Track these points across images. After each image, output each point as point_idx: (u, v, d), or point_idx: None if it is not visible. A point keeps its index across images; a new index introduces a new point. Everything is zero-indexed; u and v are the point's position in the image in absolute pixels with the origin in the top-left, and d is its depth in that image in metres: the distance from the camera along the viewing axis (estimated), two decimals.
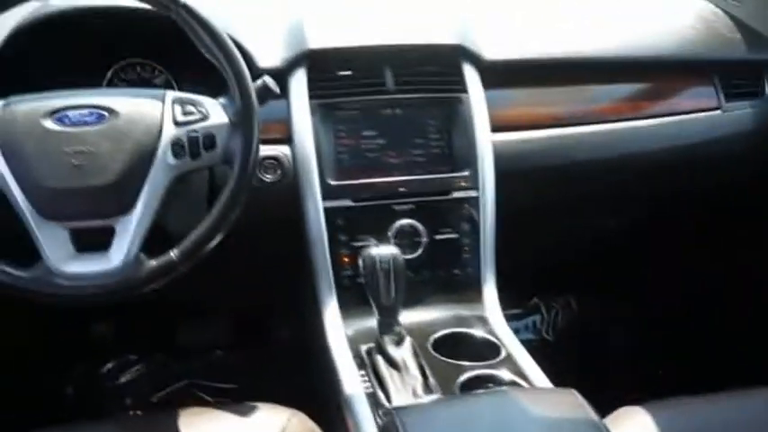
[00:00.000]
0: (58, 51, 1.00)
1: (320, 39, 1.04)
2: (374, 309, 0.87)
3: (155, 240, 0.77)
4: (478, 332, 0.94)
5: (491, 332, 0.94)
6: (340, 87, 1.03)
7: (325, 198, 0.99)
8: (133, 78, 1.08)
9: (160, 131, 0.75)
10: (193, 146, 0.76)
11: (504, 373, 0.83)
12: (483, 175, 1.03)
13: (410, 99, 1.04)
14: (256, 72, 0.99)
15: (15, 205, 0.72)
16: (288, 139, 1.01)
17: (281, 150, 1.00)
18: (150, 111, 0.76)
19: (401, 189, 1.01)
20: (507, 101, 1.10)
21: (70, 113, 0.74)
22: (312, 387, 1.12)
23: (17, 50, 0.96)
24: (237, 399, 1.50)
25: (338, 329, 0.94)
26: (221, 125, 0.77)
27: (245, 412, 0.87)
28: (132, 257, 0.74)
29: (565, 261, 1.50)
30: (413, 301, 0.95)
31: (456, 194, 1.03)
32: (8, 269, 0.72)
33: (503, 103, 1.09)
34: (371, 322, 0.90)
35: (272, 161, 0.99)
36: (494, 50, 1.10)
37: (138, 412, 1.49)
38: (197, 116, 0.77)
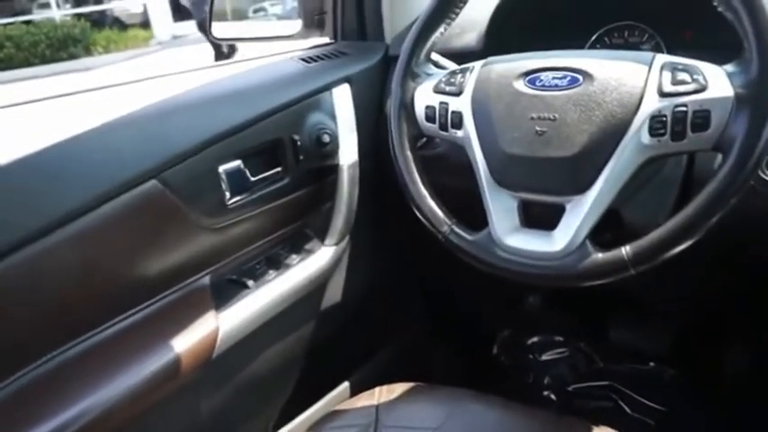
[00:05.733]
0: (541, 12, 0.96)
1: None
2: None
3: (605, 229, 0.65)
4: None
5: None
6: None
7: None
8: (619, 43, 0.96)
9: (639, 103, 0.62)
10: (678, 124, 0.60)
11: None
12: None
13: None
14: None
15: (474, 166, 0.71)
16: None
17: None
18: (631, 77, 0.63)
19: None
20: None
21: (543, 75, 0.68)
22: None
23: (504, 11, 0.96)
24: (658, 423, 1.32)
25: None
26: (722, 100, 0.59)
27: None
28: (578, 244, 0.64)
29: None
30: None
31: None
32: (457, 229, 0.72)
33: None
34: None
35: None
36: None
37: (552, 396, 1.44)
38: (691, 86, 0.60)
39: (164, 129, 0.80)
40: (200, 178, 0.80)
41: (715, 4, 0.61)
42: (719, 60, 0.63)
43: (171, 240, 0.78)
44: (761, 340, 0.99)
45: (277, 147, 0.91)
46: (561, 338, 1.53)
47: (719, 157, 0.60)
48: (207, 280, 0.84)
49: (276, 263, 0.94)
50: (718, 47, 0.68)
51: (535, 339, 1.56)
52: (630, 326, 1.44)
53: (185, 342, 0.76)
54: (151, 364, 0.73)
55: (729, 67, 0.61)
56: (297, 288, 0.93)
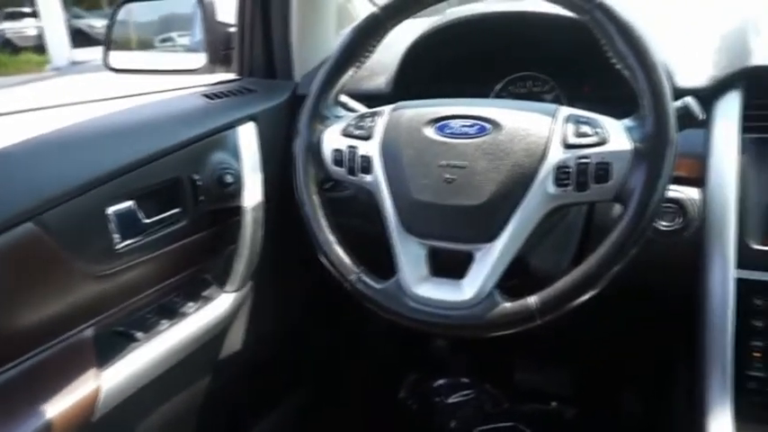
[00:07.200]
0: (449, 59, 0.97)
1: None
2: None
3: (512, 276, 0.65)
4: None
5: None
6: None
7: (741, 266, 0.73)
8: (522, 92, 0.99)
9: (544, 153, 0.63)
10: (582, 175, 0.61)
11: None
12: None
13: None
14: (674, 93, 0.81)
15: (383, 213, 0.69)
16: (698, 180, 0.78)
17: (687, 193, 0.78)
18: (537, 128, 0.64)
19: None
20: None
21: (452, 123, 0.68)
22: None
23: (412, 56, 0.96)
24: None
25: None
26: (621, 153, 0.61)
27: None
28: (486, 293, 0.63)
29: None
30: None
31: None
32: (365, 278, 0.70)
33: None
34: None
35: (671, 205, 0.78)
36: None
37: None
38: (592, 139, 0.62)
39: (44, 166, 0.72)
40: (84, 221, 0.73)
41: (613, 61, 0.63)
42: (616, 112, 0.65)
43: (48, 289, 0.70)
44: (653, 383, 1.02)
45: (175, 187, 0.85)
46: (468, 380, 1.53)
47: (617, 206, 0.62)
48: (89, 333, 0.76)
49: (170, 311, 0.86)
50: (614, 99, 0.70)
51: (441, 382, 1.55)
52: (534, 367, 1.46)
53: (60, 404, 0.68)
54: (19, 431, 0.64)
55: (627, 122, 0.63)
56: (192, 339, 0.86)
